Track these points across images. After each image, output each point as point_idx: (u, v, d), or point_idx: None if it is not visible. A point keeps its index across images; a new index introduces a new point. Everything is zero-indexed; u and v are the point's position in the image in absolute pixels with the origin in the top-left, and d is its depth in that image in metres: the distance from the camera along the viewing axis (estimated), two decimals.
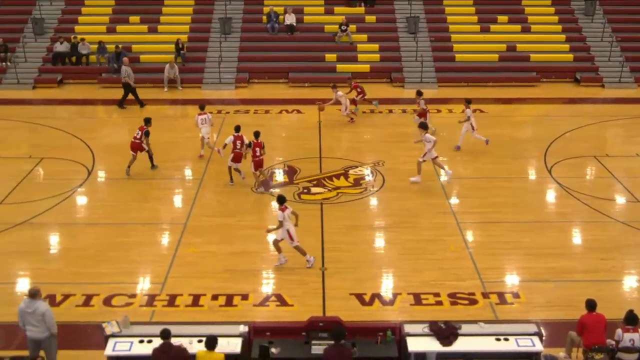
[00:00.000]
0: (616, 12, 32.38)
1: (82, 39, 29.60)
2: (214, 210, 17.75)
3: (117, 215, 17.39)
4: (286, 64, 29.65)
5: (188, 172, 20.36)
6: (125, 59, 26.65)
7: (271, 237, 15.26)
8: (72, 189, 18.89)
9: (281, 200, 14.60)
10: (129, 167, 19.56)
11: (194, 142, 21.01)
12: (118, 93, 25.90)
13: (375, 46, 30.32)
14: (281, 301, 13.82)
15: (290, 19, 30.94)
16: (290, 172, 19.91)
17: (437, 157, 18.98)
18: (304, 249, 14.89)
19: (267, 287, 14.42)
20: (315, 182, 19.22)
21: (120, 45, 28.94)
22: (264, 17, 31.43)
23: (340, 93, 23.41)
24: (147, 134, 19.47)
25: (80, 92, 27.98)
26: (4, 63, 29.30)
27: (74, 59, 29.38)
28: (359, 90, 24.25)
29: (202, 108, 21.09)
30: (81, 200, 18.66)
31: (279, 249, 14.86)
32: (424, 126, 19.26)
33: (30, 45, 30.09)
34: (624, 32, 31.12)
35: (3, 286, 14.46)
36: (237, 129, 18.83)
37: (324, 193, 18.60)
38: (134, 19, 31.47)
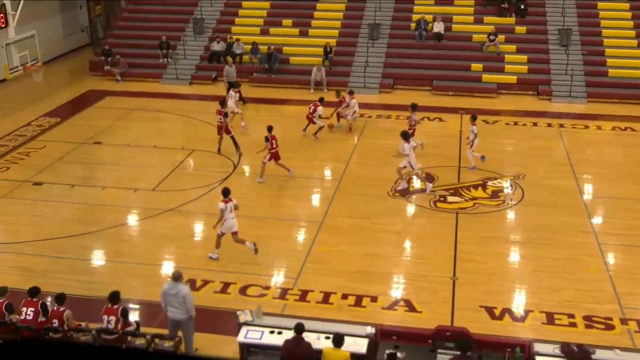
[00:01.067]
0: None
1: (237, 40, 30.95)
2: (350, 211, 17.96)
3: (257, 209, 18.00)
4: (431, 71, 29.47)
5: (327, 173, 20.87)
6: (229, 59, 27.74)
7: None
8: (218, 181, 19.87)
9: (225, 192, 15.24)
10: (219, 147, 21.72)
11: (335, 144, 21.44)
12: (267, 92, 26.92)
13: (524, 57, 29.48)
14: (410, 307, 13.87)
15: (438, 27, 30.78)
16: (428, 179, 19.88)
17: (404, 167, 18.86)
18: (242, 239, 15.43)
19: (397, 291, 14.52)
20: (452, 191, 19.08)
21: (272, 47, 30.02)
22: (413, 24, 31.48)
23: (354, 100, 23.72)
24: (225, 114, 21.71)
25: None
26: (165, 59, 31.25)
27: (228, 58, 30.80)
28: (343, 105, 23.88)
29: (236, 86, 24.48)
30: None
31: (218, 244, 15.35)
32: (405, 135, 18.78)
33: (190, 43, 31.92)
34: None
35: (150, 267, 15.48)
36: (319, 102, 22.33)
37: (461, 202, 18.45)
38: (287, 22, 32.49)
